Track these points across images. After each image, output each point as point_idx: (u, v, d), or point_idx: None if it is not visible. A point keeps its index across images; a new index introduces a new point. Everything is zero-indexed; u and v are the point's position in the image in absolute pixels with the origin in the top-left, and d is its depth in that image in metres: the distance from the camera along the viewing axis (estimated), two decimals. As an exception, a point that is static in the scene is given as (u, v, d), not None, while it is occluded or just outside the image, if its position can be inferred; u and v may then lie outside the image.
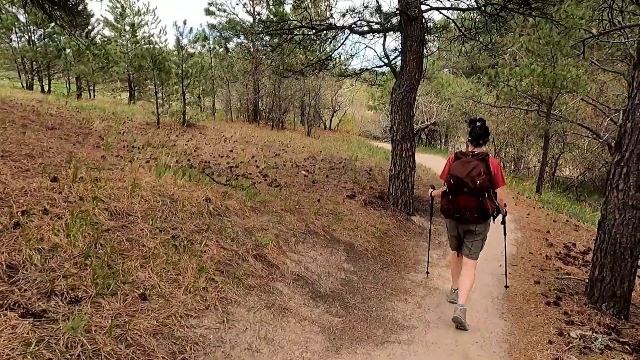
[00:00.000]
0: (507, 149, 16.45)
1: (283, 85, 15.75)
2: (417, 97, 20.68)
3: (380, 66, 8.02)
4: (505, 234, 4.28)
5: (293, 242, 4.14)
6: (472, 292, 4.25)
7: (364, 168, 9.29)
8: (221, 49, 16.09)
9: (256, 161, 8.65)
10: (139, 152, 7.33)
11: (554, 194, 12.69)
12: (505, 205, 3.86)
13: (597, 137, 13.86)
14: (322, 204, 5.95)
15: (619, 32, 14.29)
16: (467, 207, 3.38)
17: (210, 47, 16.06)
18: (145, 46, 10.71)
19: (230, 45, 16.25)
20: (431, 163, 12.94)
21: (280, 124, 15.27)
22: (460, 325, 3.36)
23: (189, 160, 7.45)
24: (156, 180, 4.12)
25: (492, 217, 3.56)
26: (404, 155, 6.42)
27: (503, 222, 4.00)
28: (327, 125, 19.65)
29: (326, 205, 5.90)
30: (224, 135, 11.38)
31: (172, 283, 2.76)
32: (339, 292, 3.70)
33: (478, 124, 3.50)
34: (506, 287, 4.39)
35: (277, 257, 3.69)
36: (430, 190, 4.22)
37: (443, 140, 19.91)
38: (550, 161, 14.11)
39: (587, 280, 4.87)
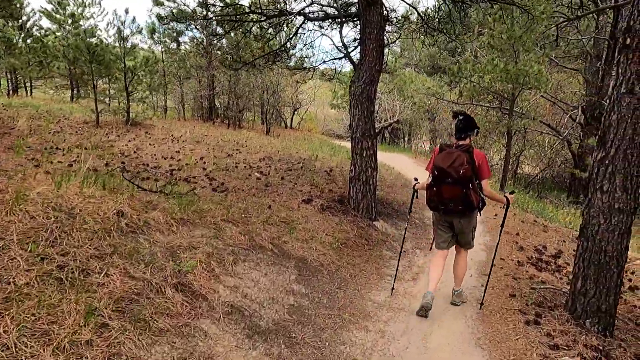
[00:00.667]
0: (470, 147, 16.38)
1: (240, 81, 14.90)
2: (380, 95, 20.32)
3: (339, 58, 7.39)
4: (502, 225, 3.96)
5: (230, 262, 3.41)
6: (444, 311, 3.69)
7: (324, 169, 8.65)
8: (172, 43, 15.01)
9: (204, 163, 7.82)
10: (63, 155, 6.35)
11: (517, 191, 12.54)
12: (511, 193, 3.88)
13: (557, 134, 13.91)
14: (274, 210, 5.24)
15: (576, 30, 14.47)
16: (451, 198, 3.37)
17: (160, 41, 14.93)
18: (80, 36, 9.56)
19: (184, 39, 15.27)
20: (395, 162, 12.49)
21: (238, 123, 14.38)
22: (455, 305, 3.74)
23: (122, 163, 6.52)
24: (55, 190, 3.27)
25: (477, 210, 3.54)
26: (364, 154, 5.81)
27: (505, 212, 3.92)
28: (288, 124, 18.93)
29: (278, 212, 5.20)
30: (172, 135, 10.42)
31: (39, 338, 1.97)
32: (285, 324, 3.01)
33: (460, 117, 3.50)
34: (481, 304, 3.85)
35: (206, 284, 2.95)
36: (415, 182, 4.02)
37: (406, 139, 19.67)
38: (512, 159, 14.04)
39: (564, 290, 4.45)
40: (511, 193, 3.85)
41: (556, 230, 7.15)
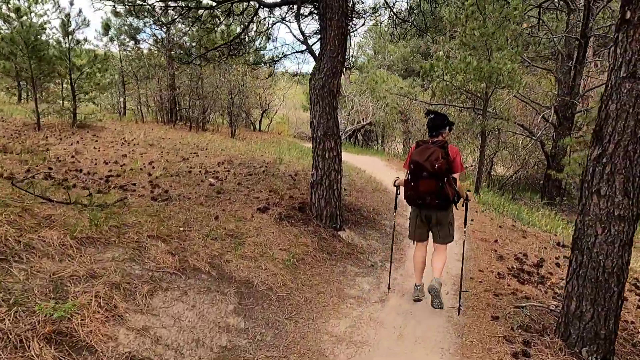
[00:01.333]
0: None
1: (205, 81, 14.06)
2: (352, 97, 19.80)
3: (301, 51, 6.73)
4: (465, 223, 4.04)
5: (145, 293, 2.66)
6: (417, 343, 3.05)
7: (289, 173, 7.95)
8: (130, 41, 14.04)
9: (153, 167, 6.99)
10: (-25, 160, 5.43)
11: (492, 194, 12.19)
12: (467, 191, 3.87)
13: (530, 134, 13.67)
14: (222, 221, 4.51)
15: (547, 31, 14.32)
16: (428, 191, 3.46)
17: (116, 38, 13.88)
18: (16, 29, 8.57)
19: (142, 36, 14.30)
20: (367, 165, 11.91)
21: (202, 125, 13.50)
22: (434, 293, 3.64)
23: (50, 169, 5.65)
24: None
25: (453, 203, 3.64)
26: (327, 156, 5.15)
27: (466, 208, 3.93)
28: (257, 127, 18.08)
29: (226, 223, 4.47)
30: (124, 138, 9.51)
31: None
32: (209, 377, 2.29)
33: (431, 116, 3.65)
34: (459, 309, 3.68)
35: (100, 329, 2.20)
36: (396, 179, 4.06)
37: (380, 141, 19.22)
38: (486, 160, 13.71)
39: (552, 307, 3.90)
40: (468, 191, 3.91)
41: (536, 235, 6.68)
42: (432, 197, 3.46)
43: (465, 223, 4.00)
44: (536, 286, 4.64)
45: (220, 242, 3.93)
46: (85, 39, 8.72)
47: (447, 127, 3.67)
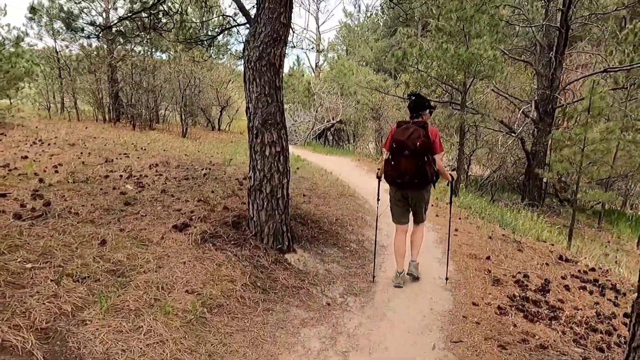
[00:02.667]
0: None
1: (153, 73, 12.46)
2: (322, 94, 18.52)
3: (243, 24, 5.37)
4: (451, 200, 4.24)
5: None
6: None
7: (237, 176, 6.57)
8: (65, 29, 12.24)
9: (56, 172, 5.47)
10: None
11: (472, 196, 11.15)
12: (451, 173, 3.93)
13: (510, 131, 12.74)
14: (109, 248, 3.09)
15: (525, 20, 13.45)
16: (408, 170, 3.47)
17: (48, 24, 12.05)
18: None
19: (81, 23, 12.46)
20: (335, 166, 10.63)
21: (149, 123, 11.89)
22: (414, 279, 3.90)
23: None
24: None
25: (432, 183, 3.64)
26: (267, 152, 3.80)
27: (451, 188, 4.04)
28: (216, 126, 16.47)
29: (115, 251, 3.06)
30: (39, 137, 7.87)
31: None
32: None
33: (413, 97, 3.70)
34: (446, 279, 4.00)
35: None
36: (377, 170, 3.94)
37: (352, 140, 18.03)
38: (464, 159, 12.69)
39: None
40: (452, 171, 4.16)
41: (532, 247, 5.53)
42: (411, 175, 3.48)
43: (450, 202, 4.29)
44: (549, 324, 3.44)
45: (88, 285, 2.53)
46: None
47: (428, 110, 3.72)
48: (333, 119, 17.55)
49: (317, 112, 15.85)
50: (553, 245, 6.24)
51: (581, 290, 4.29)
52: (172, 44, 11.25)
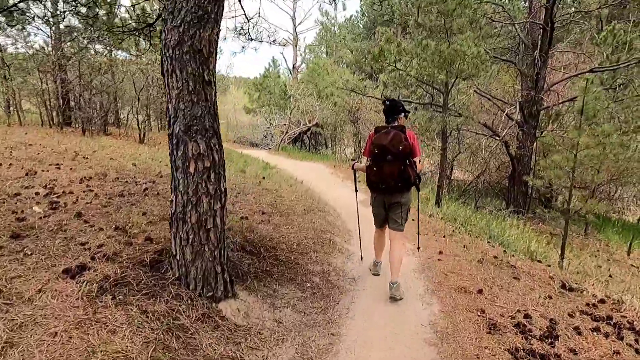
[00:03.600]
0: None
1: (115, 73, 11.32)
2: (298, 97, 17.56)
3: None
4: (418, 190, 3.92)
5: None
6: None
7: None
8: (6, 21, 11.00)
9: (-52, 191, 4.39)
10: None
11: (455, 205, 10.39)
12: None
13: (494, 134, 12.07)
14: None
15: (507, 18, 12.83)
16: (391, 175, 3.47)
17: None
18: None
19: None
20: (308, 174, 9.73)
21: (103, 128, 10.69)
22: (395, 301, 3.62)
23: None
24: None
25: (414, 185, 3.62)
26: (193, 169, 2.84)
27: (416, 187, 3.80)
28: None
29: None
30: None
31: None
32: None
33: (387, 102, 3.65)
34: (418, 248, 4.50)
35: None
36: (353, 162, 4.09)
37: (330, 144, 17.16)
38: (447, 164, 11.96)
39: None
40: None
41: (529, 273, 4.71)
42: (395, 180, 3.48)
43: (417, 190, 3.94)
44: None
45: None
46: None
47: (403, 114, 3.69)
48: (309, 123, 16.65)
49: (291, 114, 14.92)
50: (550, 266, 5.44)
51: (595, 333, 3.47)
52: (131, 39, 10.18)
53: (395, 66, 8.82)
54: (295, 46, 26.41)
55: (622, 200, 14.85)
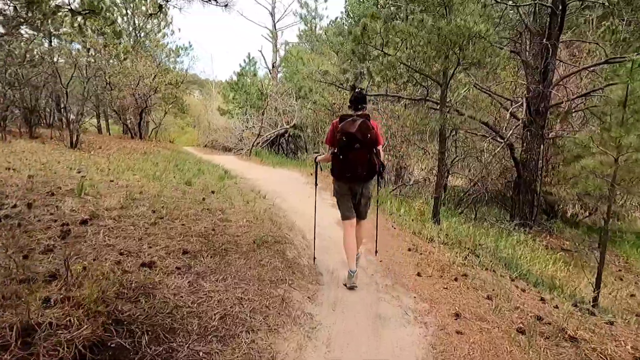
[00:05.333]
0: (385, 157, 12.33)
1: (46, 65, 9.33)
2: (276, 97, 15.68)
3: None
4: (378, 185, 4.23)
5: None
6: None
7: (72, 217, 3.72)
8: None
9: None
10: None
11: (455, 219, 8.68)
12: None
13: (497, 135, 10.43)
14: None
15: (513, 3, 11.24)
16: (359, 163, 3.46)
17: None
18: None
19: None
20: (278, 185, 7.91)
21: (29, 129, 8.68)
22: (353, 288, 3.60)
23: None
24: None
25: (379, 174, 3.63)
26: None
27: (380, 175, 3.82)
28: (137, 132, 13.06)
29: None
30: None
31: None
32: None
33: (357, 90, 4.36)
34: (376, 252, 4.28)
35: None
36: (316, 155, 4.18)
37: (310, 147, 15.38)
38: (445, 169, 10.25)
39: None
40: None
41: (602, 353, 2.97)
42: (362, 168, 3.49)
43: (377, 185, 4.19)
44: None
45: None
46: None
47: (366, 104, 3.67)
48: (287, 124, 14.84)
49: (263, 115, 13.10)
50: (612, 324, 3.71)
51: None
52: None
53: (382, 50, 7.08)
54: (275, 44, 24.64)
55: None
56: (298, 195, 7.29)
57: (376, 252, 4.31)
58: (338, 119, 3.54)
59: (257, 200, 6.11)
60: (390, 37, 7.01)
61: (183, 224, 4.18)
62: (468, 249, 6.09)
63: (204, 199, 5.47)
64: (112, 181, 5.70)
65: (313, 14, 20.86)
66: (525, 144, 10.38)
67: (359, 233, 3.81)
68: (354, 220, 3.75)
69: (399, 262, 4.38)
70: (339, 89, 10.30)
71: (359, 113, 3.50)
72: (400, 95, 9.58)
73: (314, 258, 4.16)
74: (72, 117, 8.86)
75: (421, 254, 4.82)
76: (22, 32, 9.43)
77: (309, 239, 4.88)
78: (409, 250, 4.85)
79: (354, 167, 3.46)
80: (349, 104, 3.68)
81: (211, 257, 3.49)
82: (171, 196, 5.31)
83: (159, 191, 5.42)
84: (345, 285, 3.60)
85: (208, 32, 71.47)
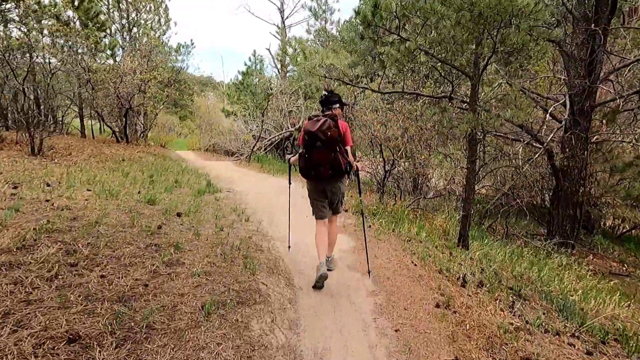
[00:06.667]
0: (401, 164, 10.79)
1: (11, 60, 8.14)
2: (278, 95, 14.30)
3: None
4: (360, 192, 4.36)
5: None
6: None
7: None
8: None
9: None
10: None
11: (487, 241, 7.15)
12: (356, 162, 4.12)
13: (533, 139, 8.86)
14: None
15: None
16: (322, 161, 3.51)
17: None
18: None
19: None
20: (272, 199, 6.54)
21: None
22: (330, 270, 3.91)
23: None
24: None
25: (346, 173, 3.67)
26: None
27: (357, 176, 4.09)
28: (122, 137, 11.62)
29: None
30: None
31: None
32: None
33: (325, 92, 3.79)
34: (369, 272, 4.00)
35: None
36: (289, 156, 4.31)
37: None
38: (476, 180, 8.66)
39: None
40: (357, 162, 4.44)
41: None
42: (325, 167, 3.53)
43: (359, 193, 4.32)
44: None
45: None
46: None
47: (339, 105, 3.80)
48: (293, 126, 13.47)
49: (264, 116, 11.76)
50: None
51: None
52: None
53: (398, 34, 5.64)
54: (284, 42, 23.32)
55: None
56: (295, 212, 5.88)
57: (369, 272, 4.05)
58: (307, 119, 3.61)
59: (235, 226, 4.73)
60: (408, 18, 5.56)
61: (102, 276, 2.82)
62: (511, 290, 4.63)
63: (160, 226, 4.11)
64: (49, 200, 4.40)
65: (324, 7, 19.44)
66: (567, 149, 8.79)
67: (330, 230, 3.87)
68: (326, 220, 3.80)
69: (423, 333, 2.94)
70: (348, 86, 8.87)
71: (327, 113, 3.54)
72: (419, 92, 8.11)
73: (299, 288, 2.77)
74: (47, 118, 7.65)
75: (455, 311, 3.37)
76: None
77: (297, 284, 3.50)
78: (437, 306, 3.40)
79: (317, 165, 3.52)
80: (319, 104, 3.77)
81: (116, 347, 2.11)
82: (115, 223, 3.96)
83: (101, 215, 4.08)
84: (315, 281, 3.52)
85: (216, 32, 70.69)
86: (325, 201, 3.78)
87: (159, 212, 4.67)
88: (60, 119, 11.37)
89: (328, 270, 3.73)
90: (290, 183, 4.45)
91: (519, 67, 8.43)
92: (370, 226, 5.93)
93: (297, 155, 3.75)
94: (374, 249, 4.81)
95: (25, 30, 7.33)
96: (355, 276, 3.92)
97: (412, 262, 4.50)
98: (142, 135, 12.36)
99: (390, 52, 5.88)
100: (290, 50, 9.15)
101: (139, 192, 5.53)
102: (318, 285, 3.51)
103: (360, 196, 4.42)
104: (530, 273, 6.13)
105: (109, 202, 4.77)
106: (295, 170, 4.05)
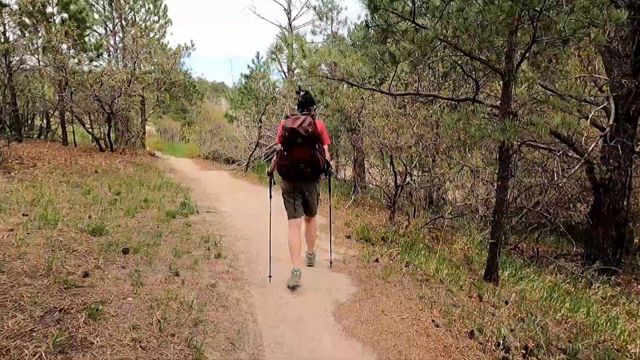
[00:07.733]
0: (415, 174, 9.57)
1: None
2: (281, 98, 13.29)
3: None
4: (330, 189, 4.65)
5: None
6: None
7: None
8: None
9: None
10: None
11: (515, 268, 5.93)
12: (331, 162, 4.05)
13: (571, 150, 7.59)
14: None
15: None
16: (301, 159, 3.54)
17: None
18: None
19: None
20: (264, 226, 5.43)
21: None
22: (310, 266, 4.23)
23: None
24: None
25: (323, 172, 3.75)
26: None
27: (329, 174, 4.09)
28: (105, 145, 10.60)
29: None
30: None
31: None
32: None
33: (302, 93, 3.94)
34: (330, 263, 4.28)
35: None
36: (268, 169, 4.25)
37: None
38: (508, 197, 7.37)
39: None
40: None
41: None
42: (305, 164, 3.56)
43: (329, 189, 4.66)
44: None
45: None
46: None
47: (314, 106, 3.93)
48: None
49: (261, 122, 10.71)
50: None
51: None
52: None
53: (413, 21, 4.50)
54: (291, 44, 22.32)
55: None
56: (284, 248, 4.74)
57: (330, 263, 4.29)
58: (284, 118, 3.67)
59: (198, 266, 3.61)
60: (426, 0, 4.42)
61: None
62: (565, 355, 3.45)
63: (87, 273, 3.02)
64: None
65: (330, 5, 18.41)
66: (610, 160, 7.51)
67: (308, 233, 4.08)
68: (300, 220, 3.85)
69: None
70: (355, 87, 7.75)
71: (305, 112, 3.68)
72: (437, 94, 6.94)
73: None
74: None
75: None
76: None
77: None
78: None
79: (297, 162, 3.54)
80: (296, 106, 3.90)
81: None
82: (24, 269, 2.88)
83: (16, 255, 3.01)
84: (288, 286, 3.56)
85: (220, 35, 70.42)
86: (300, 200, 3.81)
87: (99, 248, 3.57)
88: (45, 124, 10.49)
89: (308, 266, 4.08)
90: (270, 197, 4.20)
91: (548, 63, 7.19)
92: (377, 260, 4.78)
93: (273, 161, 3.73)
94: (381, 297, 3.65)
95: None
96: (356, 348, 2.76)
97: (433, 321, 3.32)
98: (127, 142, 11.39)
99: (403, 44, 4.73)
100: (288, 50, 8.19)
101: (89, 217, 4.46)
102: (291, 288, 3.55)
103: (329, 181, 4.51)
104: (577, 316, 4.95)
105: (40, 232, 3.71)
106: (274, 183, 3.98)
